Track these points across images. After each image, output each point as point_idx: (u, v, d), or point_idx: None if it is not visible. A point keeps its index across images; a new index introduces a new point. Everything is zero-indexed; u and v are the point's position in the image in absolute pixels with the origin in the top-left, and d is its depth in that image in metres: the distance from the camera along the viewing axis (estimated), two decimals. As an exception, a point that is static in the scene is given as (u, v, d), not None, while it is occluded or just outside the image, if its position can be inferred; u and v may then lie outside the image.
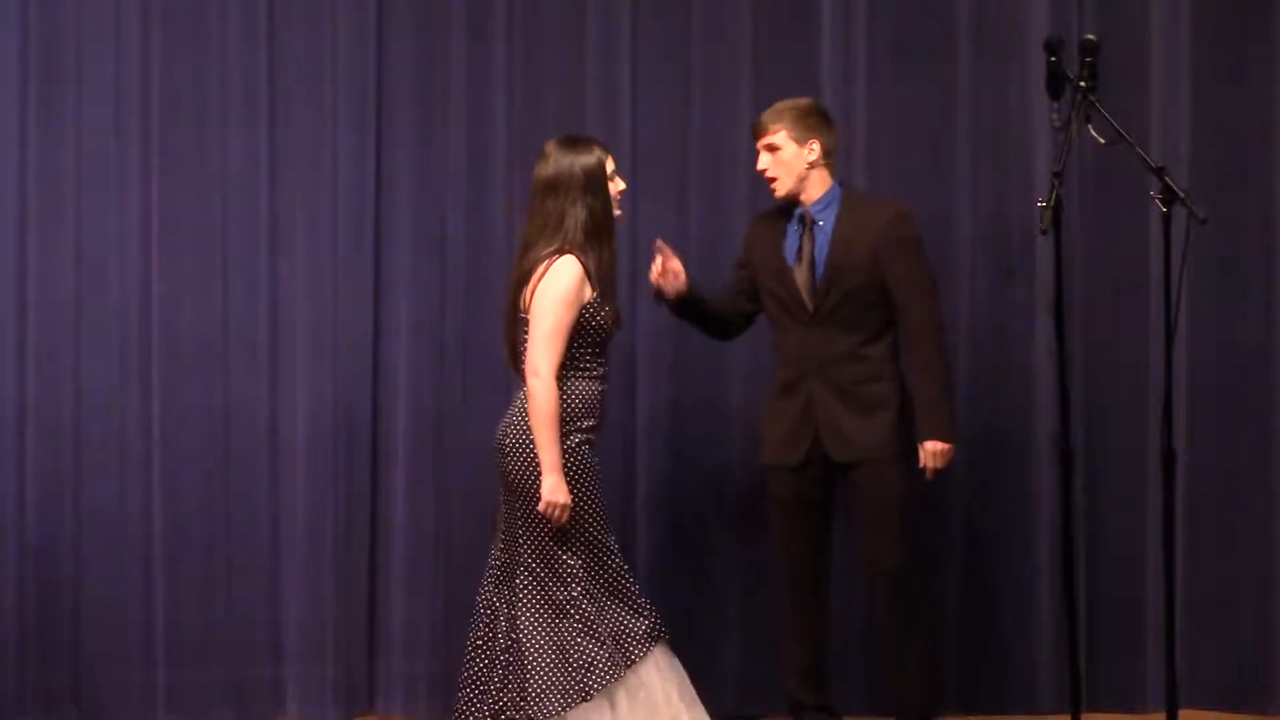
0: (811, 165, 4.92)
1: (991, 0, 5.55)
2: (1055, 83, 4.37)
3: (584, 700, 4.53)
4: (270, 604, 5.45)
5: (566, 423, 4.57)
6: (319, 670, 5.45)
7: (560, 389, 4.57)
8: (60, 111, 5.40)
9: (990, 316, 5.54)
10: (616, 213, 4.67)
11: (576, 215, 4.61)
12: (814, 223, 4.94)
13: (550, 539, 4.58)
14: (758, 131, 4.96)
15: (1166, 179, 4.33)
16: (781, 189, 4.94)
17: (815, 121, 4.93)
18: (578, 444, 4.59)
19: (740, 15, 5.53)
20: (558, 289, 4.57)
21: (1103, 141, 4.39)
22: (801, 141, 4.91)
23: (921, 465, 4.89)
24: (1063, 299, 4.44)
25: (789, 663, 5.06)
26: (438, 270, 5.49)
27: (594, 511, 4.60)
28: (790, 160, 4.91)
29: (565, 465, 4.55)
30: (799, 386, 4.95)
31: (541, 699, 4.54)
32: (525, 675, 4.55)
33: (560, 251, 4.59)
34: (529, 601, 4.59)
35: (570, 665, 4.55)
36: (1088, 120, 4.36)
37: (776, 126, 4.91)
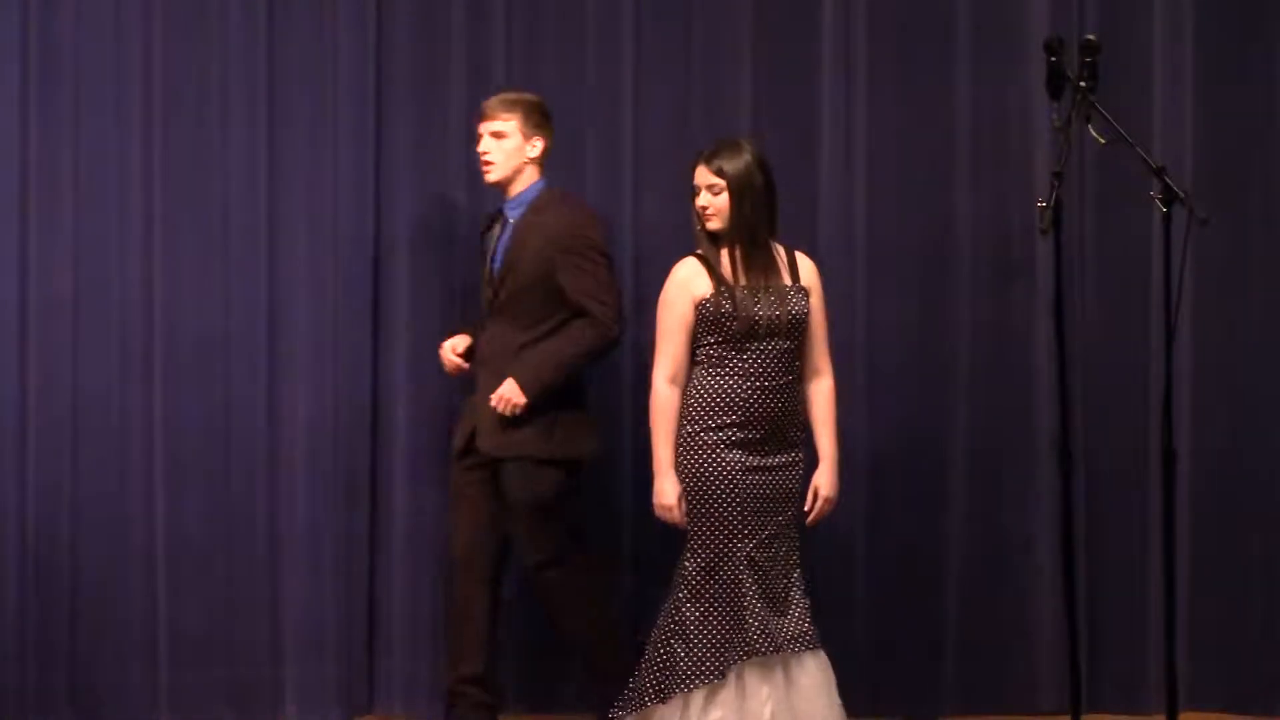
0: (530, 161, 4.99)
1: (991, 0, 5.55)
2: (1055, 83, 4.38)
3: (659, 701, 4.58)
4: (270, 604, 5.44)
5: (688, 421, 4.59)
6: (319, 670, 5.44)
7: (687, 385, 4.60)
8: (60, 111, 5.40)
9: (990, 316, 5.53)
10: (705, 226, 4.64)
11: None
12: (505, 217, 5.02)
13: (685, 538, 4.62)
14: (485, 114, 4.98)
15: (1166, 179, 4.34)
16: (495, 175, 5.00)
17: (543, 120, 5.01)
18: (698, 444, 4.57)
19: (741, 15, 5.53)
20: (664, 292, 4.65)
21: (1103, 141, 4.40)
22: (528, 136, 4.98)
23: (495, 403, 4.88)
24: (1063, 299, 4.45)
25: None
26: (438, 270, 5.49)
27: (709, 514, 4.57)
28: (511, 150, 4.97)
29: (681, 464, 4.58)
30: (476, 378, 5.02)
31: (631, 692, 4.66)
32: (640, 666, 4.67)
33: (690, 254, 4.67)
34: (666, 597, 4.68)
35: (657, 664, 4.61)
36: (1088, 120, 4.37)
37: (509, 115, 4.97)
